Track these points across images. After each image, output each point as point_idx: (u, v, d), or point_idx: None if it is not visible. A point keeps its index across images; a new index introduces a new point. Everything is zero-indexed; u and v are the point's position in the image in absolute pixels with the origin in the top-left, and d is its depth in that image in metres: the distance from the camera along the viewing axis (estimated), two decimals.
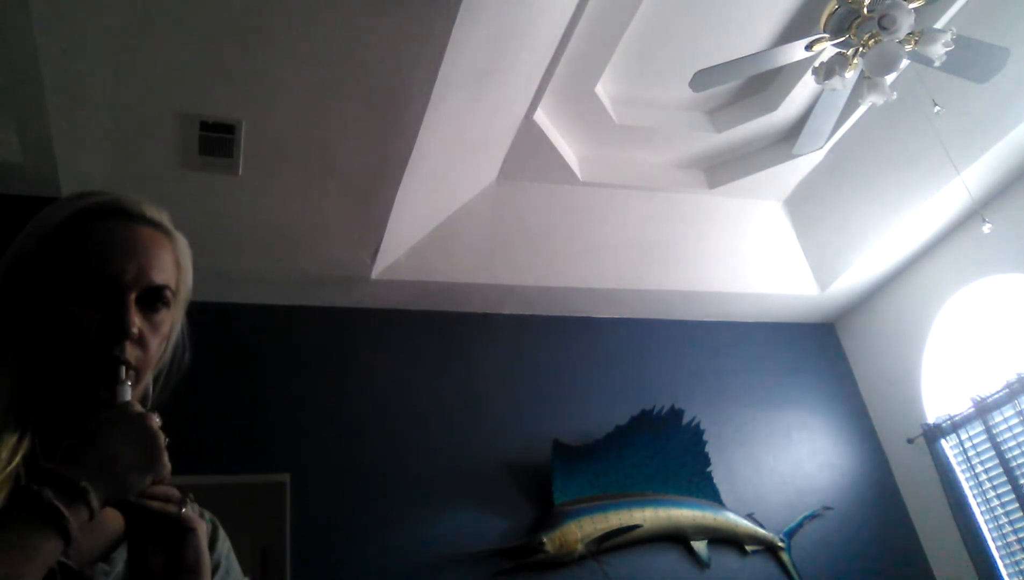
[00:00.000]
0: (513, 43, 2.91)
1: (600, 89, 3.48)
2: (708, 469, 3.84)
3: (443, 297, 3.77)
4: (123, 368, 0.81)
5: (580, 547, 3.38)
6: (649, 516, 3.57)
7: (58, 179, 2.75)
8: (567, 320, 4.07)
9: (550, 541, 3.35)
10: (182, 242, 0.94)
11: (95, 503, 0.71)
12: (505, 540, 3.37)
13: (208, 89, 2.57)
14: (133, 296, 0.84)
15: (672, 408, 3.85)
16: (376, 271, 3.51)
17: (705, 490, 3.78)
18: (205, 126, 2.68)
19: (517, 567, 3.31)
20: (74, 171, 2.73)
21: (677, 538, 3.62)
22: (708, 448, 3.87)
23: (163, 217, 0.92)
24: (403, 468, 3.41)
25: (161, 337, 0.88)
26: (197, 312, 1.00)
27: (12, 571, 0.66)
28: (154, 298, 0.86)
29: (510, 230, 3.81)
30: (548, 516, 3.46)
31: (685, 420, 3.87)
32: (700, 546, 3.63)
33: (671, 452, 3.79)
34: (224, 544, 0.97)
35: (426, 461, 3.46)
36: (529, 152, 3.60)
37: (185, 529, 0.80)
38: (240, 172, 2.88)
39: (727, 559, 3.68)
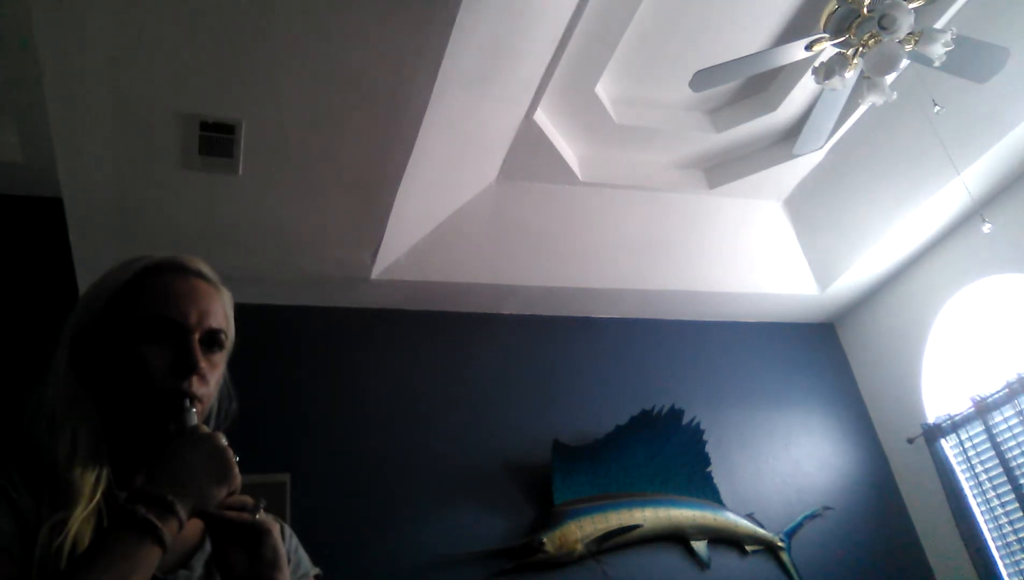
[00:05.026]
0: (513, 43, 2.91)
1: (600, 89, 3.48)
2: (708, 469, 3.84)
3: (443, 297, 3.77)
4: (187, 399, 0.92)
5: (580, 547, 3.38)
6: (649, 516, 3.57)
7: (58, 179, 2.75)
8: (567, 320, 4.07)
9: (550, 541, 3.35)
10: (228, 295, 1.06)
11: (183, 515, 0.82)
12: (505, 540, 3.37)
13: (208, 89, 2.57)
14: (196, 337, 0.96)
15: (672, 408, 3.85)
16: (376, 271, 3.51)
17: (705, 490, 3.78)
18: (205, 126, 2.67)
19: (517, 567, 3.31)
20: (74, 171, 2.73)
21: (677, 538, 3.62)
22: (708, 448, 3.87)
23: (213, 273, 1.05)
24: (403, 468, 3.41)
25: (218, 376, 0.99)
26: None
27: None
28: (212, 340, 0.98)
29: (510, 230, 3.81)
30: (548, 516, 3.46)
31: (685, 420, 3.87)
32: (700, 546, 3.63)
33: (671, 452, 3.79)
34: (292, 541, 1.08)
35: (426, 461, 3.46)
36: (529, 152, 3.60)
37: (261, 531, 0.90)
38: (240, 172, 2.87)
39: (727, 559, 3.68)
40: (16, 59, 2.72)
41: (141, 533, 0.79)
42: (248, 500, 0.91)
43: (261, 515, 0.91)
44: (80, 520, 0.83)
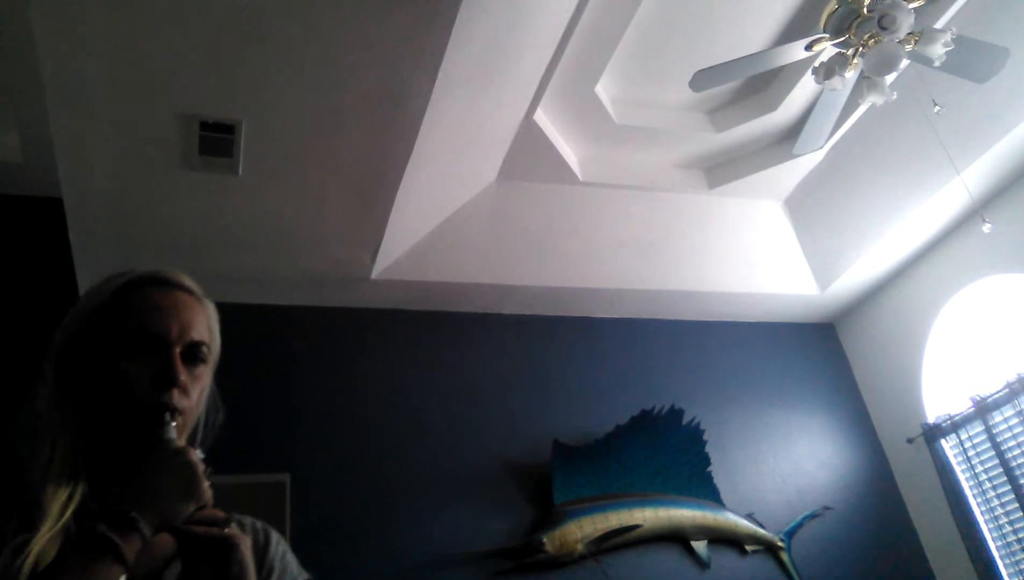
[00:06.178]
0: (513, 43, 2.91)
1: (600, 89, 3.48)
2: (708, 469, 3.84)
3: (443, 297, 3.77)
4: (168, 413, 0.92)
5: (580, 547, 3.38)
6: (649, 516, 3.57)
7: (58, 179, 2.75)
8: (567, 320, 4.07)
9: (550, 541, 3.35)
10: (212, 308, 1.05)
11: (146, 531, 0.82)
12: (505, 540, 3.37)
13: (208, 89, 2.57)
14: (177, 351, 0.96)
15: (672, 408, 3.85)
16: (376, 271, 3.51)
17: (705, 490, 3.78)
18: (205, 126, 2.67)
19: (517, 567, 3.31)
20: (74, 171, 2.73)
21: (677, 538, 3.62)
22: (708, 448, 3.87)
23: (196, 286, 1.04)
24: (403, 468, 3.41)
25: (200, 388, 1.00)
26: None
27: None
28: (194, 354, 0.98)
29: (510, 230, 3.81)
30: (548, 516, 3.46)
31: (685, 420, 3.87)
32: (700, 546, 3.63)
33: (671, 452, 3.79)
34: (278, 548, 1.08)
35: (426, 461, 3.46)
36: (529, 152, 3.60)
37: (229, 546, 0.89)
38: (240, 172, 2.87)
39: (727, 559, 3.68)
40: (16, 59, 2.72)
41: (101, 551, 0.79)
42: (219, 515, 0.91)
43: (231, 529, 0.91)
44: (43, 540, 0.83)
